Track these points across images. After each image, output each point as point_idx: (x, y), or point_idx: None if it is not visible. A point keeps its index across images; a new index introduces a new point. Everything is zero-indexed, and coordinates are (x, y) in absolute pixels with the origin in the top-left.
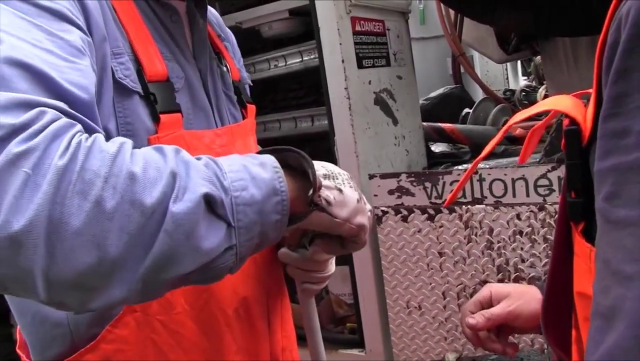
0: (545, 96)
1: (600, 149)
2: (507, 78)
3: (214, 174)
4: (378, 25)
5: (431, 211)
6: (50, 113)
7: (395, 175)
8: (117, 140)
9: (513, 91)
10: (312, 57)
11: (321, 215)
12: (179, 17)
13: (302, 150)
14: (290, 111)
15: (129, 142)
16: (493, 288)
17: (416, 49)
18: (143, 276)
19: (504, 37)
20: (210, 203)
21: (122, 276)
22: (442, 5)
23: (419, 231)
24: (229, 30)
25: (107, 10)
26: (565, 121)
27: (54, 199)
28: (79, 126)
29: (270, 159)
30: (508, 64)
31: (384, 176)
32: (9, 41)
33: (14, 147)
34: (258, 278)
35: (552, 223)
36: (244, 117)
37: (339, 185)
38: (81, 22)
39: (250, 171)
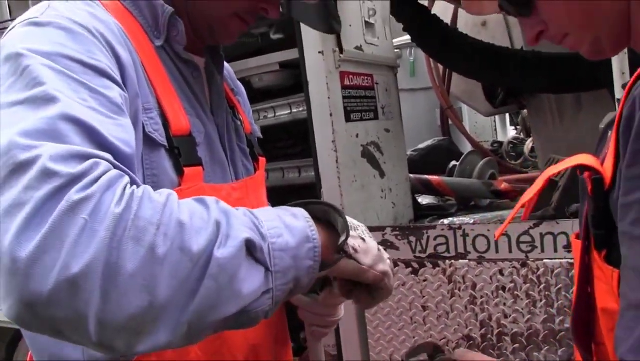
0: (532, 148)
1: (624, 188)
2: (495, 129)
3: (252, 222)
4: (366, 79)
5: (415, 265)
6: (103, 164)
7: (380, 228)
8: (164, 191)
9: (501, 143)
10: (300, 109)
11: (348, 262)
12: (199, 73)
13: (288, 200)
14: (277, 162)
15: (174, 194)
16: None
17: (405, 99)
18: (188, 319)
19: (491, 91)
20: (250, 248)
21: (169, 320)
22: (430, 59)
23: (402, 285)
24: (240, 84)
25: (139, 67)
26: (586, 173)
27: (110, 244)
28: (127, 177)
29: (300, 210)
30: (496, 116)
31: (368, 229)
32: (62, 99)
33: (74, 194)
34: (268, 325)
35: (535, 278)
36: (255, 170)
37: (361, 234)
38: (118, 78)
39: (284, 220)
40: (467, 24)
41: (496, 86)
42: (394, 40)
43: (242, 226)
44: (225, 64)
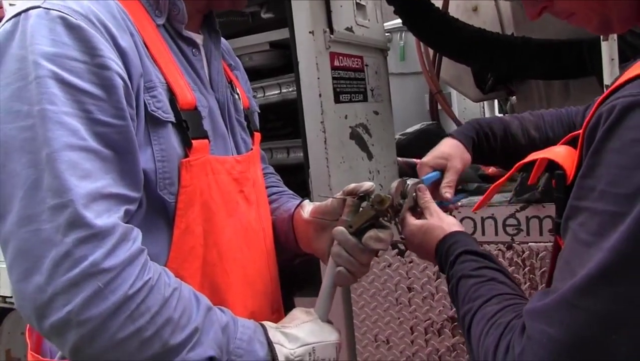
0: None
1: (575, 193)
2: (484, 116)
3: (226, 339)
4: (357, 61)
5: (401, 246)
6: (122, 227)
7: None
8: (174, 283)
9: None
10: (290, 89)
11: None
12: (199, 50)
13: None
14: (266, 142)
15: (181, 286)
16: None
17: (395, 84)
18: None
19: (481, 76)
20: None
21: None
22: (421, 43)
23: (388, 266)
24: (238, 59)
25: (141, 47)
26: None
27: (111, 315)
28: (146, 254)
29: (266, 340)
30: (485, 102)
31: None
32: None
33: (101, 262)
34: (265, 293)
35: (520, 261)
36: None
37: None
38: (122, 69)
39: (252, 346)
40: (458, 9)
41: (486, 71)
42: (385, 24)
43: (213, 343)
44: (224, 40)
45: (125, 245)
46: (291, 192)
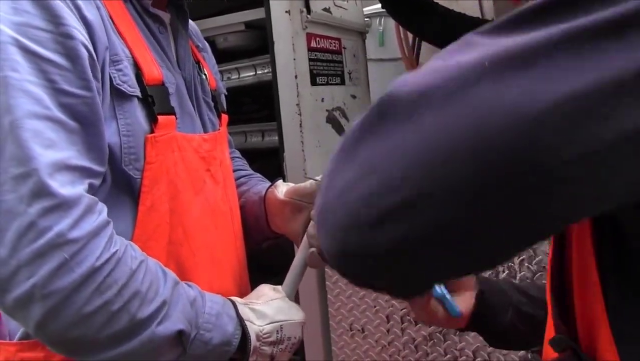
0: None
1: None
2: None
3: (195, 313)
4: (334, 43)
5: None
6: (88, 198)
7: None
8: (139, 256)
9: None
10: (265, 71)
11: None
12: (165, 28)
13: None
14: (240, 125)
15: (146, 261)
16: None
17: (374, 70)
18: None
19: None
20: (180, 336)
21: (90, 354)
22: (400, 28)
23: None
24: (205, 42)
25: (107, 21)
26: None
27: (77, 287)
28: (112, 226)
29: (235, 314)
30: None
31: None
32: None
33: (67, 233)
34: (233, 275)
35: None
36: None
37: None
38: (87, 40)
39: (221, 320)
40: None
41: None
42: (364, 9)
43: (182, 316)
44: (191, 22)
45: (91, 217)
46: (259, 175)
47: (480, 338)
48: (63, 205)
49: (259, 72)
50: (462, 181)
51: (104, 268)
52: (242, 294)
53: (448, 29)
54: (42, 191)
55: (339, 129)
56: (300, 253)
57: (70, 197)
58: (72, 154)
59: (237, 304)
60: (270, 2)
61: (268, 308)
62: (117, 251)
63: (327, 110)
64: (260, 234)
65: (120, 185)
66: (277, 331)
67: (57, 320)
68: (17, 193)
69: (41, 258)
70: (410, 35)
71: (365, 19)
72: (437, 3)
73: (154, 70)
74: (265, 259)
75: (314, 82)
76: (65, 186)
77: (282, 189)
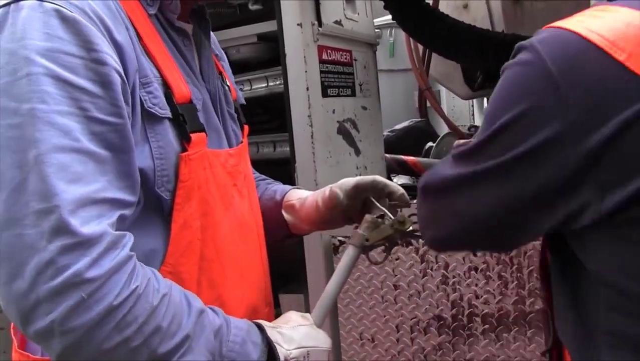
0: None
1: None
2: (473, 114)
3: (218, 343)
4: (345, 55)
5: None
6: (111, 235)
7: None
8: (163, 288)
9: (477, 127)
10: (277, 82)
11: None
12: (189, 41)
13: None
14: (252, 136)
15: (170, 294)
16: None
17: (384, 81)
18: None
19: (470, 74)
20: None
21: None
22: (411, 39)
23: (375, 263)
24: (222, 51)
25: (135, 40)
26: None
27: (95, 326)
28: (134, 260)
29: (261, 341)
30: (474, 100)
31: None
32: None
33: (85, 272)
34: (259, 287)
35: (507, 260)
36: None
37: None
38: (118, 64)
39: (245, 348)
40: (448, 5)
41: (475, 68)
42: (374, 20)
43: (204, 349)
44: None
45: (112, 253)
46: (265, 177)
47: (490, 347)
48: (84, 243)
49: (270, 83)
50: None
51: (123, 305)
52: (267, 304)
53: (457, 40)
54: (62, 229)
55: (350, 140)
56: (331, 284)
57: (91, 235)
58: (101, 186)
59: (265, 327)
60: (282, 14)
61: (296, 333)
62: (137, 287)
63: (338, 121)
64: (281, 235)
65: (150, 206)
66: (304, 356)
67: (78, 355)
68: (39, 229)
69: (59, 295)
70: (420, 47)
71: (376, 30)
72: (447, 15)
73: (183, 88)
74: (275, 270)
75: (325, 94)
76: (89, 223)
77: (316, 200)
